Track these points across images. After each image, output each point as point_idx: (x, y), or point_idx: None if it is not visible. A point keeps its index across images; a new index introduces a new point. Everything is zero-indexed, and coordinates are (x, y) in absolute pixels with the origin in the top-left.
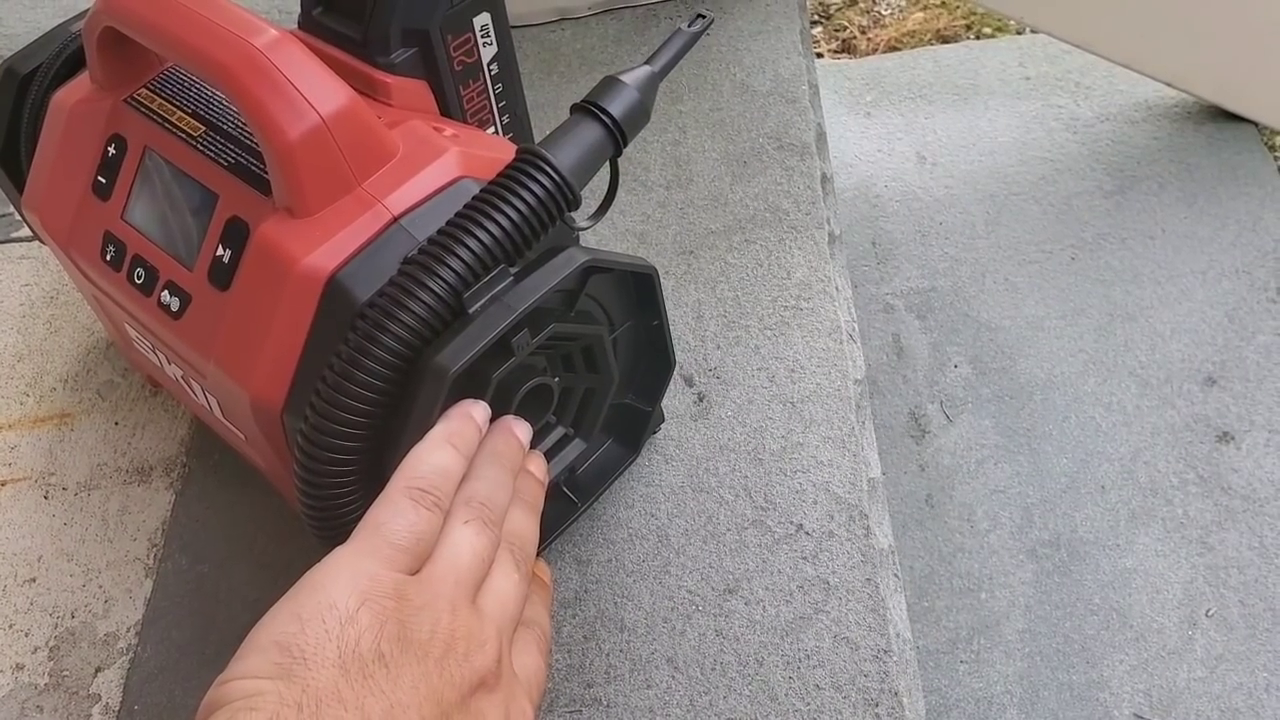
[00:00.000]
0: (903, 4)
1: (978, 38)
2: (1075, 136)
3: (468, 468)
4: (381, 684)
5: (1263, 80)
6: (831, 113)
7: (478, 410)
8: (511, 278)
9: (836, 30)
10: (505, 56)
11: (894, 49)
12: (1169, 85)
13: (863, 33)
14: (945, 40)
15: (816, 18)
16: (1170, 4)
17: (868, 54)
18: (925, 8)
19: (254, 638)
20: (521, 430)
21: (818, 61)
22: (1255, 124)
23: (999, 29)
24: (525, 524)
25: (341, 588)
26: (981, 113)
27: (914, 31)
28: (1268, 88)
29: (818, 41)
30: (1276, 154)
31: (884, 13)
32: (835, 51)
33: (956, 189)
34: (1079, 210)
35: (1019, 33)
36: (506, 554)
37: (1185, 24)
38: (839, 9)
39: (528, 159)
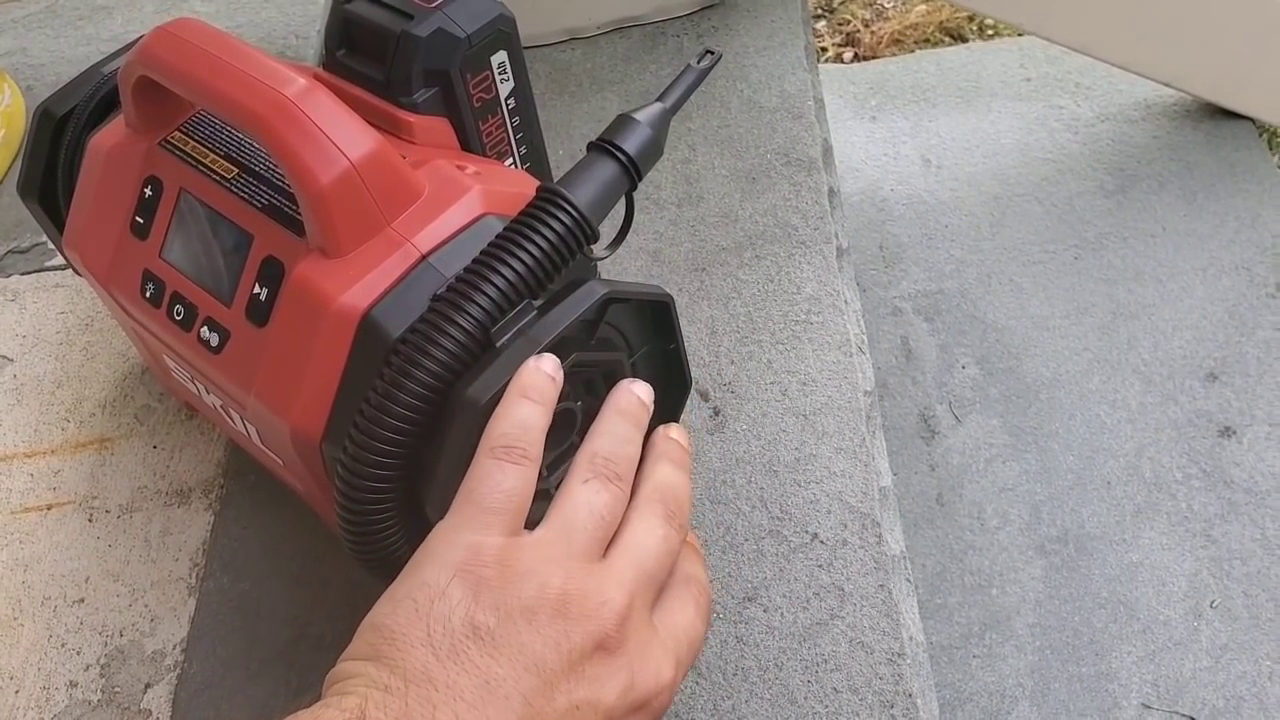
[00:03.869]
0: None
1: (980, 30)
2: (1076, 137)
3: (591, 427)
4: (475, 659)
5: (1259, 77)
6: (837, 117)
7: (545, 361)
8: (535, 311)
9: (840, 24)
10: (522, 91)
11: (897, 41)
12: (1167, 85)
13: (866, 26)
14: (948, 32)
15: (820, 11)
16: (1165, 5)
17: (871, 47)
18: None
19: (363, 621)
20: (641, 389)
21: (823, 66)
22: (1253, 120)
23: (1001, 22)
24: (673, 476)
25: (433, 563)
26: (984, 115)
27: (917, 24)
28: (1264, 84)
29: (822, 35)
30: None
31: (886, 5)
32: (839, 45)
33: (961, 191)
34: (1081, 210)
35: (1020, 33)
36: (651, 506)
37: (1180, 24)
38: (842, 2)
39: (548, 198)
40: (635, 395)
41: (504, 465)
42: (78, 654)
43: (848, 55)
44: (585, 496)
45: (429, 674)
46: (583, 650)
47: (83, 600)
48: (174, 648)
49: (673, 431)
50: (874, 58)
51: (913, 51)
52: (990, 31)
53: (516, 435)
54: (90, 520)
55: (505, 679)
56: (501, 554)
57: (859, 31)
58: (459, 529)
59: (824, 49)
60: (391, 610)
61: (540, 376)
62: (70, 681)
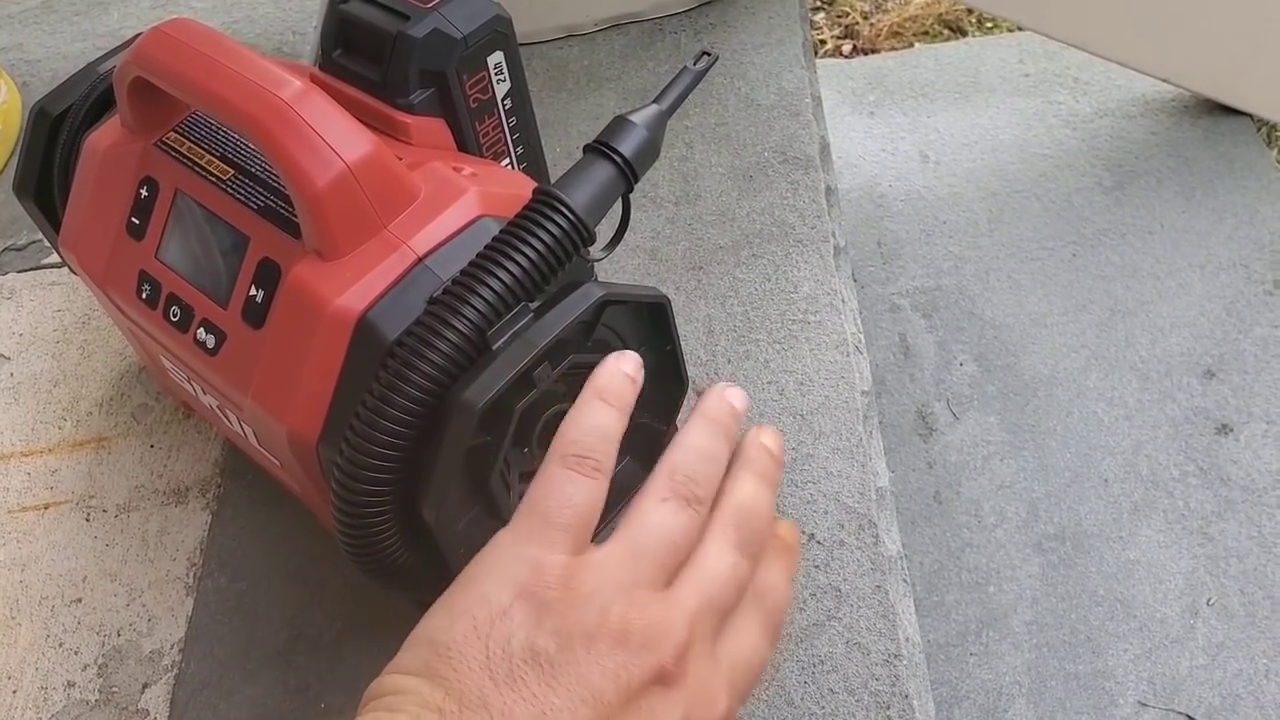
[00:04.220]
0: None
1: (979, 23)
2: (1075, 133)
3: (677, 436)
4: (533, 687)
5: (1257, 73)
6: (835, 113)
7: (626, 362)
8: (532, 314)
9: (839, 16)
10: (518, 91)
11: (896, 34)
12: (1165, 81)
13: (865, 18)
14: (947, 25)
15: (819, 3)
16: (1163, 1)
17: (870, 39)
18: None
19: (415, 632)
20: (735, 396)
21: (821, 61)
22: (1251, 116)
23: (999, 19)
24: (753, 494)
25: (494, 579)
26: (983, 110)
27: (916, 16)
28: (1262, 80)
29: (821, 28)
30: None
31: None
32: (838, 38)
33: (959, 187)
34: (1079, 207)
35: (1019, 27)
36: (724, 529)
37: (1179, 20)
38: None
39: (544, 200)
40: (727, 402)
41: (576, 477)
42: (75, 654)
43: (846, 47)
44: (661, 517)
45: (485, 699)
46: (642, 683)
47: (80, 600)
48: (172, 647)
49: (765, 437)
50: (873, 50)
51: (911, 45)
52: (989, 25)
53: (591, 444)
54: (87, 519)
55: (562, 710)
56: (566, 573)
57: (858, 24)
58: (524, 542)
59: (823, 41)
60: (449, 625)
61: (618, 378)
62: (68, 681)
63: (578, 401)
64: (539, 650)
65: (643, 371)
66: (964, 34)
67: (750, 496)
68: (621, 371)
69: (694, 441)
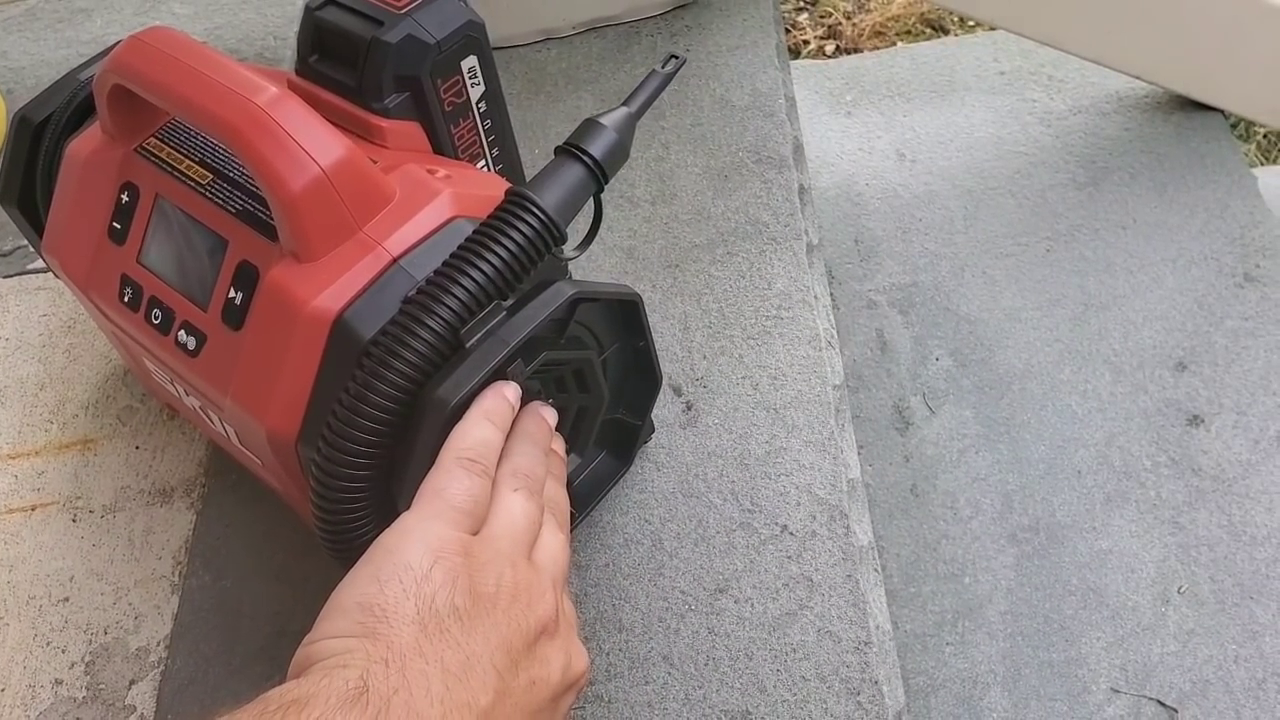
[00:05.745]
0: None
1: (961, 22)
2: (1049, 130)
3: (505, 445)
4: (456, 636)
5: (1228, 69)
6: (813, 113)
7: (509, 390)
8: (505, 312)
9: (822, 16)
10: (493, 94)
11: (879, 33)
12: (1138, 78)
13: (848, 19)
14: (929, 24)
15: (802, 4)
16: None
17: (853, 39)
18: None
19: (337, 600)
20: (548, 413)
21: (799, 62)
22: (1222, 112)
23: (974, 20)
24: (560, 493)
25: (414, 549)
26: (958, 109)
27: (898, 16)
28: (1233, 76)
29: (804, 28)
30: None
31: None
32: (821, 38)
33: (935, 185)
34: (1053, 203)
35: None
36: (550, 517)
37: (1150, 18)
38: None
39: (516, 201)
40: (544, 421)
41: (471, 475)
42: (63, 652)
43: (829, 48)
44: (520, 505)
45: (420, 649)
46: (535, 633)
47: (67, 599)
48: (158, 645)
49: (555, 444)
50: (856, 50)
51: (894, 43)
52: (971, 23)
53: (481, 451)
54: (74, 520)
55: (482, 655)
56: (466, 547)
57: (840, 24)
58: (432, 519)
59: (806, 41)
60: (379, 590)
61: (503, 403)
62: (55, 679)
63: (469, 415)
64: (458, 606)
65: (519, 400)
66: (946, 33)
67: (559, 495)
68: (505, 399)
69: (524, 449)
